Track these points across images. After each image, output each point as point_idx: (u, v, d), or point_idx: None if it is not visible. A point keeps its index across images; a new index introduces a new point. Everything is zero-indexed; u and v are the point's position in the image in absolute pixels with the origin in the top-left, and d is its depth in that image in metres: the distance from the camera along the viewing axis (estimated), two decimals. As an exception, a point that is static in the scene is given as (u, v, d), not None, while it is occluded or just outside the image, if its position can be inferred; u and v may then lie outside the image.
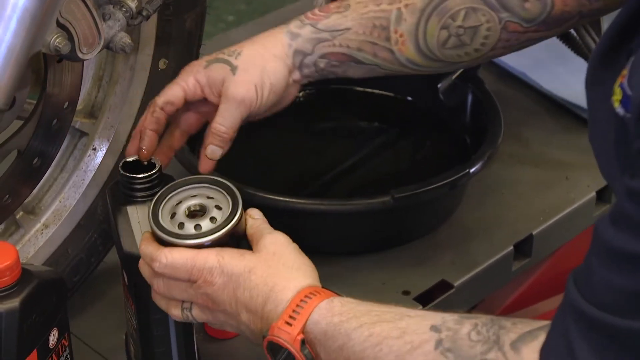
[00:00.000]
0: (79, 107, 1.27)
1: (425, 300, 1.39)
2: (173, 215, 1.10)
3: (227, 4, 2.77)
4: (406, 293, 1.40)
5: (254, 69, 1.22)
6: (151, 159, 1.20)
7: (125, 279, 1.19)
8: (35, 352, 1.10)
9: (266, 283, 1.06)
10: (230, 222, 1.08)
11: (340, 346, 1.02)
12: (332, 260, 1.41)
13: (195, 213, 1.10)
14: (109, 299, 1.37)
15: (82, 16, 1.13)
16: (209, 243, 1.07)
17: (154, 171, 1.18)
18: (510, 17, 1.21)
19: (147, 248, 1.09)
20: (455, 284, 1.41)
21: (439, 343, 0.97)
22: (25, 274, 1.09)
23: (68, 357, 1.17)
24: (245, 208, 1.11)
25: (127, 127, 1.33)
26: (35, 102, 1.20)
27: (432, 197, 1.42)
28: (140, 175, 1.17)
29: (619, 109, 0.91)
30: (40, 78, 1.19)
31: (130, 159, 1.19)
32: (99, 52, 1.16)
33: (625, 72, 0.91)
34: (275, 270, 1.06)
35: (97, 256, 1.35)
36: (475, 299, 1.51)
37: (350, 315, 1.03)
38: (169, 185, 1.12)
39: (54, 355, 1.13)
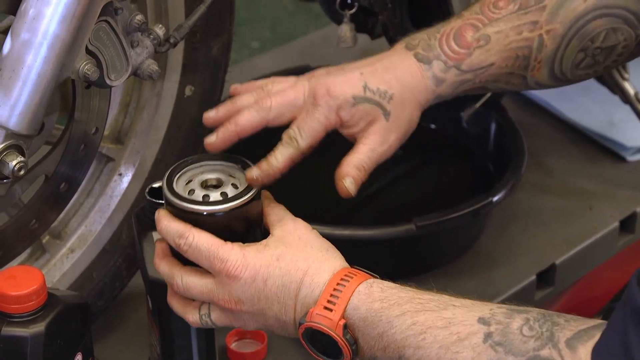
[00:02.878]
0: (105, 132, 1.28)
1: (447, 328, 1.39)
2: (191, 192, 1.07)
3: (251, 31, 2.78)
4: (428, 321, 1.40)
5: (404, 117, 1.16)
6: None
7: (150, 304, 1.19)
8: (60, 376, 1.11)
9: (298, 267, 1.02)
10: (246, 194, 1.05)
11: (380, 334, 0.99)
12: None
13: (211, 186, 1.08)
14: (133, 323, 1.38)
15: (111, 43, 1.14)
16: (221, 213, 1.04)
17: None
18: None
19: (173, 224, 1.04)
20: (478, 313, 1.41)
21: (488, 336, 0.94)
22: (51, 299, 1.09)
23: (92, 381, 1.18)
24: None
25: (153, 152, 1.34)
26: (63, 127, 1.21)
27: (454, 225, 1.42)
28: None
29: None
30: (69, 104, 1.21)
31: (156, 185, 1.19)
32: (127, 78, 1.17)
33: None
34: (305, 254, 1.03)
35: (121, 281, 1.36)
36: (497, 328, 1.51)
37: (392, 301, 1.00)
38: (184, 160, 1.09)
39: (78, 379, 1.14)
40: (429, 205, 1.43)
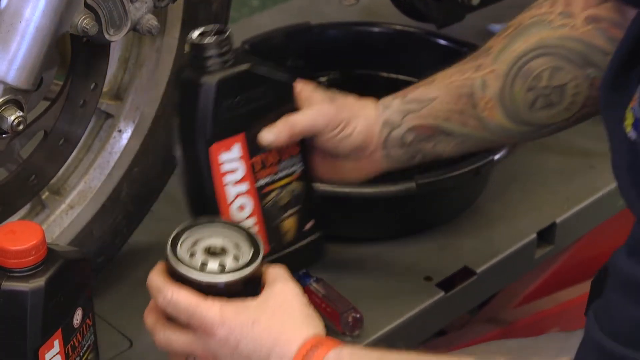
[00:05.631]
0: (105, 89, 1.27)
1: (447, 286, 1.39)
2: (193, 253, 1.07)
3: (251, -11, 2.77)
4: (428, 279, 1.40)
5: (346, 115, 1.20)
6: (219, 27, 1.14)
7: None
8: (60, 331, 1.11)
9: (270, 335, 1.03)
10: (250, 265, 1.05)
11: None
12: (355, 246, 1.41)
13: (215, 253, 1.07)
14: (133, 280, 1.38)
15: (110, -2, 1.13)
16: (222, 285, 1.04)
17: (225, 35, 1.13)
18: (596, 72, 1.16)
19: (158, 279, 1.05)
20: (478, 271, 1.41)
21: None
22: (51, 254, 1.09)
23: (92, 336, 1.17)
24: None
25: (153, 109, 1.33)
26: (62, 83, 1.20)
27: (455, 184, 1.42)
28: (211, 41, 1.11)
29: (631, 133, 0.90)
30: (67, 59, 1.20)
31: (197, 32, 1.13)
32: (126, 34, 1.16)
33: (636, 96, 0.90)
34: (280, 321, 1.04)
35: (121, 238, 1.35)
36: (497, 286, 1.51)
37: None
38: (189, 223, 1.08)
39: (78, 334, 1.14)
40: (430, 163, 1.42)
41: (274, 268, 1.08)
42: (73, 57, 1.19)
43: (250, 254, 1.06)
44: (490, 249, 1.44)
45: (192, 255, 1.06)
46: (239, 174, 1.15)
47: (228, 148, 1.14)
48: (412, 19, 1.63)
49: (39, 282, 1.07)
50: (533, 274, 1.57)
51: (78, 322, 1.14)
